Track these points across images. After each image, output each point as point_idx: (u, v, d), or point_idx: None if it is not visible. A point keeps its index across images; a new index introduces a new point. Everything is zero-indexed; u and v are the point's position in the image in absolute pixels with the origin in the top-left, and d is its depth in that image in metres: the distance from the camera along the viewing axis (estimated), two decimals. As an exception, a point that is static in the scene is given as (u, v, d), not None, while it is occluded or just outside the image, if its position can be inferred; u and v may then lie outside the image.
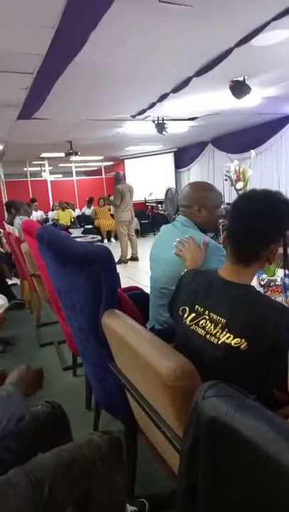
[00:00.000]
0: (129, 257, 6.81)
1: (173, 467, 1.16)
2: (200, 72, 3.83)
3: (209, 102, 5.27)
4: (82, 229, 9.39)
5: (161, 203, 9.98)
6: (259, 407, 0.66)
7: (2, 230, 6.40)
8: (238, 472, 0.65)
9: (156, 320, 1.79)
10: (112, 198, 6.92)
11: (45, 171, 11.21)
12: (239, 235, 1.05)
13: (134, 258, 6.83)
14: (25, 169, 10.98)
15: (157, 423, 0.97)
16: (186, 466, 0.74)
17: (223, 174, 5.03)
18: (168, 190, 9.77)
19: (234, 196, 7.35)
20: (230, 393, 0.69)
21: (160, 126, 6.01)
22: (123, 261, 6.60)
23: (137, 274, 5.68)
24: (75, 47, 2.98)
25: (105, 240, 9.44)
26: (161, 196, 9.81)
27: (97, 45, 2.96)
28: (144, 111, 5.44)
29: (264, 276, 2.07)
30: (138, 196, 10.38)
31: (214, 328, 1.02)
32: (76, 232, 8.07)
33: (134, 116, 5.81)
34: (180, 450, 0.82)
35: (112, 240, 9.58)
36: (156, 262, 1.79)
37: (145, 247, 7.28)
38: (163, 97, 4.73)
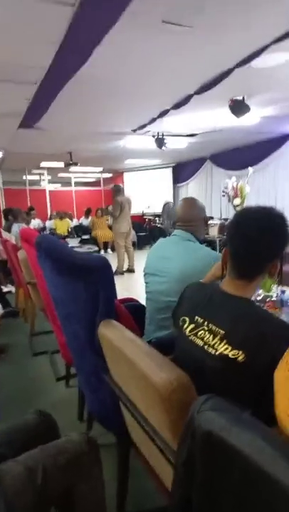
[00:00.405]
0: (125, 268, 6.82)
1: (166, 482, 1.14)
2: (200, 90, 3.91)
3: (209, 119, 5.36)
4: (80, 239, 9.39)
5: (158, 216, 10.04)
6: (255, 421, 0.66)
7: (-1, 238, 6.39)
8: (233, 487, 0.65)
9: (154, 333, 1.80)
10: (110, 208, 6.97)
11: (44, 180, 11.27)
12: (240, 253, 1.07)
13: (131, 270, 6.84)
14: (24, 178, 11.03)
15: (151, 435, 0.96)
16: (180, 479, 0.74)
17: (221, 190, 5.09)
18: (165, 204, 9.83)
19: (231, 212, 7.44)
20: (226, 407, 0.69)
21: (160, 142, 6.10)
22: (120, 272, 6.60)
23: (133, 285, 5.68)
24: (79, 61, 3.04)
25: (102, 251, 9.44)
26: (159, 210, 9.87)
27: (100, 61, 3.03)
28: (144, 126, 5.52)
29: (260, 291, 2.08)
30: (136, 209, 10.44)
31: (213, 339, 1.02)
32: (73, 242, 8.07)
33: (134, 131, 5.90)
34: (174, 463, 0.81)
35: (109, 250, 9.59)
36: (157, 275, 1.81)
37: (141, 259, 7.29)
38: (163, 113, 4.81)
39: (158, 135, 6.10)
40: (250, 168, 5.15)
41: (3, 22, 2.34)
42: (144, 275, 1.93)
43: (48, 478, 0.93)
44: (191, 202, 1.94)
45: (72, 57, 2.94)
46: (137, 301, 2.33)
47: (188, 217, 1.86)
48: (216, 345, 1.01)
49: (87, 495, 1.05)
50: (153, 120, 5.18)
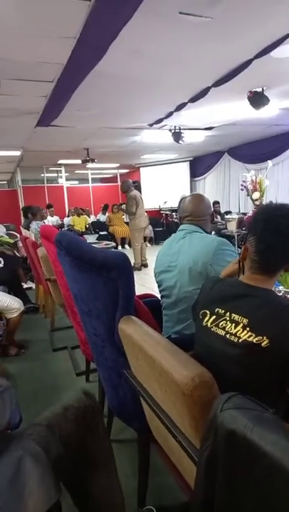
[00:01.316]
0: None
1: (187, 478, 1.14)
2: (218, 83, 3.85)
3: (226, 112, 5.28)
4: (97, 235, 9.45)
5: (175, 211, 9.99)
6: (278, 421, 0.65)
7: (19, 235, 6.49)
8: (256, 486, 0.64)
9: (172, 328, 1.80)
10: (123, 206, 6.93)
11: (61, 177, 11.37)
12: (274, 249, 1.08)
13: (144, 264, 6.86)
14: (42, 175, 11.16)
15: (173, 432, 0.96)
16: (203, 477, 0.74)
17: (239, 184, 5.02)
18: (182, 199, 9.76)
19: (249, 206, 7.33)
20: (249, 406, 0.69)
21: (177, 135, 6.04)
22: (137, 268, 6.61)
23: (150, 280, 5.68)
24: (95, 57, 3.04)
25: (119, 247, 9.48)
26: (176, 204, 9.82)
27: (116, 55, 3.01)
28: (161, 120, 5.48)
29: (280, 287, 2.05)
30: (152, 204, 10.44)
31: (235, 328, 1.04)
32: (91, 239, 8.12)
33: (151, 125, 5.87)
34: (197, 461, 0.81)
35: (126, 246, 9.62)
36: (167, 271, 1.85)
37: (159, 255, 7.29)
38: (180, 106, 4.76)
39: (175, 129, 6.05)
40: (269, 162, 5.05)
41: (20, 19, 2.36)
42: (155, 275, 1.96)
43: (63, 431, 1.08)
44: (200, 198, 2.00)
45: (89, 53, 2.93)
46: (155, 297, 2.32)
47: (198, 213, 1.91)
48: (238, 333, 1.03)
49: (99, 456, 1.17)
50: (170, 114, 5.13)
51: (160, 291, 1.96)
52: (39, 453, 1.02)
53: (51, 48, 2.78)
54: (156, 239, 10.34)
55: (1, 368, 2.47)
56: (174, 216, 10.14)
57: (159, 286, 1.96)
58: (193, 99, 4.42)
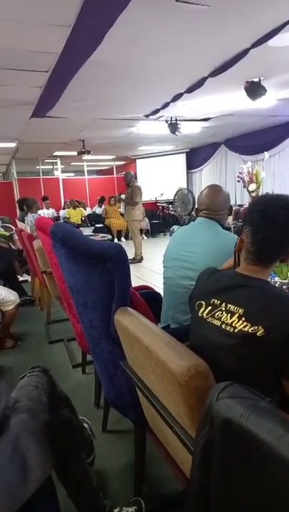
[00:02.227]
0: (131, 257, 6.81)
1: (183, 468, 1.15)
2: (215, 73, 3.81)
3: (223, 102, 5.25)
4: (93, 228, 9.42)
5: (172, 203, 9.96)
6: (274, 409, 0.65)
7: (14, 227, 6.46)
8: (252, 474, 0.64)
9: (172, 318, 1.79)
10: (123, 196, 6.92)
11: (57, 169, 11.29)
12: (271, 240, 1.08)
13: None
14: (37, 167, 11.07)
15: (169, 422, 0.96)
16: (198, 466, 0.74)
17: (236, 175, 5.01)
18: (178, 191, 9.74)
19: (246, 198, 7.33)
20: (245, 395, 0.68)
21: (173, 127, 6.00)
22: (138, 260, 6.60)
23: (147, 274, 5.69)
24: (91, 46, 2.99)
25: (115, 239, 9.46)
26: (172, 197, 9.80)
27: (112, 45, 2.97)
28: (157, 111, 5.44)
29: (276, 279, 2.05)
30: (149, 196, 10.39)
31: (230, 318, 1.04)
32: (87, 231, 8.10)
33: (147, 116, 5.82)
34: (192, 450, 0.81)
35: (123, 239, 9.60)
36: (180, 260, 1.80)
37: (155, 247, 7.30)
38: (177, 97, 4.72)
39: (171, 120, 6.01)
40: (265, 153, 5.04)
41: (13, 6, 2.31)
42: (164, 260, 1.91)
43: (43, 400, 1.21)
44: (217, 190, 1.88)
45: (84, 42, 2.89)
46: (152, 289, 2.32)
47: (216, 207, 1.82)
48: (234, 323, 1.03)
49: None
50: (166, 105, 5.09)
51: (164, 278, 1.91)
52: (34, 428, 1.08)
53: (46, 36, 2.73)
54: (153, 231, 10.32)
55: None
56: (171, 208, 10.12)
57: (165, 272, 1.90)
58: (190, 90, 4.39)
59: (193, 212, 8.06)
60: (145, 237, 9.84)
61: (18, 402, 1.15)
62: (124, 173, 7.20)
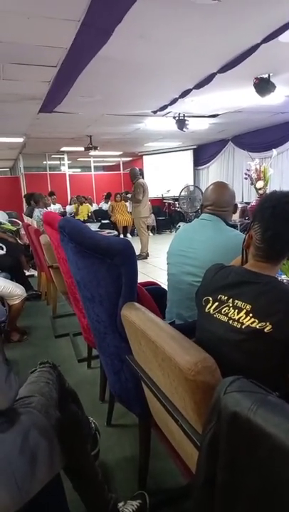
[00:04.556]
0: (137, 253, 6.83)
1: (187, 462, 1.16)
2: (224, 69, 3.78)
3: (232, 99, 5.21)
4: (99, 224, 9.43)
5: (178, 200, 9.94)
6: (282, 403, 0.65)
7: (21, 222, 6.49)
8: (259, 467, 0.65)
9: (176, 314, 1.80)
10: (129, 195, 6.91)
11: (64, 164, 11.30)
12: (281, 236, 1.08)
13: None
14: (44, 162, 11.09)
15: (175, 416, 0.97)
16: (205, 459, 0.74)
17: (243, 173, 4.97)
18: (185, 188, 9.71)
19: (253, 195, 7.28)
20: (252, 389, 0.69)
21: (181, 123, 5.97)
22: (144, 256, 6.59)
23: (154, 270, 5.69)
24: (100, 41, 2.98)
25: (121, 235, 9.46)
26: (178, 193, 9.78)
27: (121, 40, 2.96)
28: (165, 107, 5.42)
29: (283, 277, 2.05)
30: (155, 193, 10.37)
31: (237, 314, 1.04)
32: (93, 227, 8.12)
33: (155, 112, 5.80)
34: (198, 445, 0.82)
35: (129, 235, 9.60)
36: (183, 256, 1.79)
37: (161, 244, 7.29)
38: (185, 93, 4.70)
39: (179, 116, 5.98)
40: (274, 150, 5.00)
41: (22, 1, 2.31)
42: (168, 257, 1.91)
43: (54, 396, 1.26)
44: (224, 187, 1.88)
45: (93, 37, 2.88)
46: (158, 285, 2.33)
47: (222, 203, 1.81)
48: (241, 319, 1.03)
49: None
50: (174, 101, 5.07)
51: (168, 274, 1.92)
52: (45, 425, 1.09)
53: (54, 31, 2.73)
54: (159, 228, 10.31)
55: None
56: (177, 205, 10.09)
57: (169, 268, 1.91)
58: (199, 86, 4.36)
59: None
60: (151, 234, 9.83)
61: (31, 397, 1.17)
62: (129, 169, 7.20)
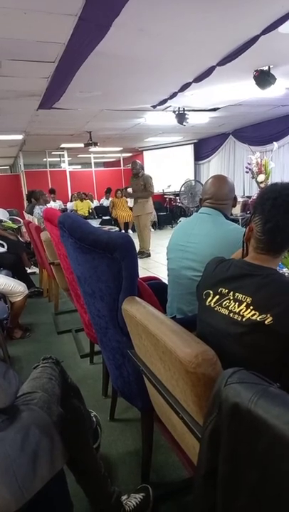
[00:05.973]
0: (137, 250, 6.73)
1: (189, 454, 1.16)
2: (223, 62, 3.75)
3: (232, 92, 5.17)
4: (100, 220, 9.42)
5: (179, 195, 9.91)
6: (283, 394, 0.65)
7: (22, 220, 6.49)
8: (260, 459, 0.65)
9: (177, 309, 1.79)
10: (130, 190, 6.81)
11: (64, 161, 11.28)
12: (281, 227, 1.07)
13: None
14: (44, 160, 11.08)
15: (176, 409, 0.97)
16: (206, 451, 0.75)
17: (244, 166, 4.95)
18: (186, 182, 9.67)
19: (254, 189, 7.25)
20: (253, 380, 0.69)
21: (181, 117, 5.94)
22: (147, 254, 6.45)
23: (154, 265, 5.69)
24: (98, 35, 2.96)
25: (122, 231, 9.46)
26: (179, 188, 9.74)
27: (120, 34, 2.93)
28: (165, 101, 5.38)
29: (284, 269, 2.04)
30: (156, 188, 10.31)
31: (238, 307, 1.04)
32: (94, 223, 8.10)
33: (154, 107, 5.76)
34: (199, 437, 0.82)
35: (130, 231, 9.59)
36: (182, 251, 1.79)
37: (162, 240, 7.27)
38: (185, 86, 4.66)
39: (179, 110, 5.94)
40: (275, 143, 4.98)
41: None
42: (168, 252, 1.91)
43: (56, 392, 1.26)
44: (223, 180, 1.87)
45: (91, 31, 2.85)
46: (160, 280, 2.32)
47: (221, 196, 1.80)
48: (242, 311, 1.03)
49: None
50: (174, 95, 5.03)
51: (168, 269, 1.91)
52: (47, 423, 1.10)
53: (52, 26, 2.70)
54: (160, 223, 10.29)
55: None
56: (178, 200, 10.07)
57: (169, 263, 1.91)
58: (198, 79, 4.33)
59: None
60: (152, 230, 9.82)
61: (33, 393, 1.17)
62: (131, 163, 7.00)
